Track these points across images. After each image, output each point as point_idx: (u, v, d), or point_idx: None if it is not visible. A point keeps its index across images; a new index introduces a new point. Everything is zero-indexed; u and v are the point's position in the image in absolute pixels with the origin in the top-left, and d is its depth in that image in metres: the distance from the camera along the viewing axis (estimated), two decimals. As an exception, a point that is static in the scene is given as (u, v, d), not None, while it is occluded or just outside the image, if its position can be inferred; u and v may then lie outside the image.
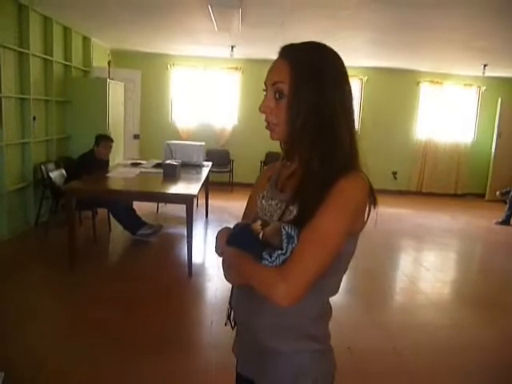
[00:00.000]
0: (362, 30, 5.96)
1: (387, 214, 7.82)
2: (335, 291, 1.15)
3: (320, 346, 1.15)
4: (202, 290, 4.23)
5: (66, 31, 6.62)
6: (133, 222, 5.35)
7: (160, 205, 6.77)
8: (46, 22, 5.99)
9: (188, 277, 4.31)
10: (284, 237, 1.00)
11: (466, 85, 9.45)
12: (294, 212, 1.05)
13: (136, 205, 5.58)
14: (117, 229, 5.55)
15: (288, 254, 0.99)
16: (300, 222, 1.01)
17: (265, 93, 1.11)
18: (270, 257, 1.00)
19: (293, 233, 1.00)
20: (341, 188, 1.00)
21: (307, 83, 1.03)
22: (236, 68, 9.04)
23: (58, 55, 6.31)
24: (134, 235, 5.34)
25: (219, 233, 1.18)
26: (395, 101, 9.39)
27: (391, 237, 6.39)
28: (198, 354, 3.10)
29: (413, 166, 9.71)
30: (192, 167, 5.87)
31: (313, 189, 1.02)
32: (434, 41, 6.21)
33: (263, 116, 1.11)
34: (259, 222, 1.06)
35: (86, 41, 7.36)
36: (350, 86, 1.09)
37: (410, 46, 6.77)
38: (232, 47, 7.35)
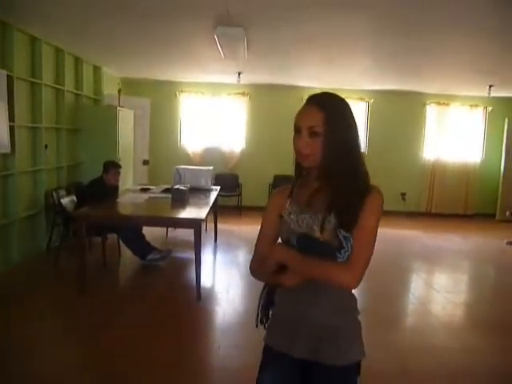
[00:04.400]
0: (365, 56, 6.06)
1: (396, 235, 7.80)
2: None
3: (358, 315, 1.55)
4: (210, 313, 4.23)
5: (77, 61, 6.82)
6: (142, 248, 5.39)
7: (169, 229, 6.82)
8: (58, 52, 6.18)
9: (197, 301, 4.32)
10: (342, 238, 1.37)
11: (472, 105, 9.49)
12: (333, 220, 1.38)
13: (145, 230, 5.63)
14: (126, 254, 5.59)
15: (349, 250, 1.38)
16: (343, 226, 1.37)
17: (294, 131, 1.44)
18: (340, 254, 1.38)
19: (347, 234, 1.37)
20: (373, 198, 1.41)
21: (337, 127, 1.40)
22: (243, 93, 9.19)
23: (69, 84, 6.49)
24: (144, 260, 5.37)
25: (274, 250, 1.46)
26: (402, 122, 9.45)
27: (400, 258, 6.35)
28: (205, 378, 3.10)
29: (421, 187, 9.70)
30: (200, 191, 5.93)
31: (351, 201, 1.39)
32: (438, 64, 6.30)
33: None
34: (318, 232, 1.40)
35: (96, 70, 7.56)
36: (355, 123, 1.46)
37: (415, 70, 6.86)
38: (239, 74, 7.49)
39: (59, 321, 3.94)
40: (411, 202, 9.68)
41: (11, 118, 4.91)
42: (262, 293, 1.61)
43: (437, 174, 9.63)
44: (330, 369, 1.46)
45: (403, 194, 9.64)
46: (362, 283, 1.37)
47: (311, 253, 1.38)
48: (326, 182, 1.44)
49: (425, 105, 9.49)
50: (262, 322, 1.60)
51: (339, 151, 1.40)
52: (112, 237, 5.59)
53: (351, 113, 1.45)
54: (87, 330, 3.69)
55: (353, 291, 1.53)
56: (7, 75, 4.80)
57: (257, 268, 1.52)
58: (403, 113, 9.43)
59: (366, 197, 1.39)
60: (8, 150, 4.84)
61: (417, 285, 5.55)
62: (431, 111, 9.54)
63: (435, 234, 8.22)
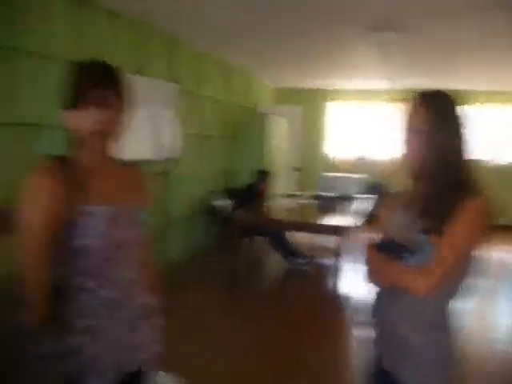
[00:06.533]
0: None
1: None
2: (455, 295, 1.40)
3: (449, 336, 1.40)
4: (352, 324, 4.16)
5: (235, 72, 7.30)
6: (288, 252, 5.54)
7: (316, 235, 6.87)
8: (221, 65, 6.67)
9: (339, 309, 4.29)
10: (421, 242, 1.32)
11: None
12: (422, 223, 1.33)
13: (292, 234, 5.77)
14: (273, 257, 5.79)
15: (425, 255, 1.31)
16: (427, 230, 1.31)
17: (404, 131, 1.42)
18: (413, 256, 1.34)
19: (426, 239, 1.32)
20: (468, 207, 1.29)
21: (439, 127, 1.35)
22: (396, 100, 8.86)
23: (228, 95, 6.98)
24: (289, 264, 5.51)
25: (364, 248, 1.49)
26: None
27: None
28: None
29: None
30: (348, 200, 5.88)
31: (443, 207, 1.31)
32: None
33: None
34: (401, 234, 1.38)
35: (252, 80, 8.00)
36: (463, 126, 1.37)
37: None
38: (391, 79, 7.26)
39: (210, 313, 4.23)
40: None
41: (179, 126, 5.47)
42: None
43: None
44: None
45: None
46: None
47: (389, 254, 1.38)
48: (426, 184, 1.40)
49: None
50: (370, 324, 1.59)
51: (439, 152, 1.35)
52: (260, 239, 5.85)
53: (456, 112, 1.38)
54: (233, 325, 3.91)
55: (449, 306, 1.43)
56: (177, 88, 5.36)
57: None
58: None
59: (464, 202, 1.29)
60: (177, 155, 5.40)
61: None
62: None
63: None
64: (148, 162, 4.84)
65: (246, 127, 7.20)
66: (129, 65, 4.54)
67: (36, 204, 1.25)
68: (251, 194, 5.70)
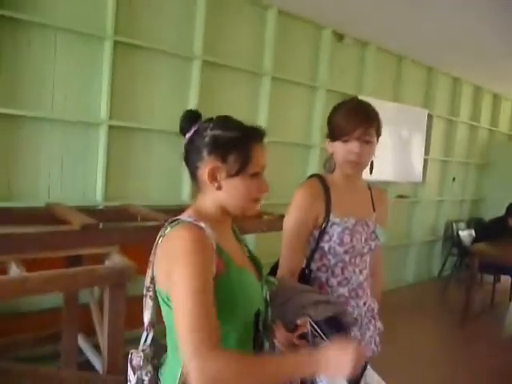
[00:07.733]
0: None
1: None
2: None
3: None
4: None
5: (495, 98, 6.83)
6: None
7: None
8: (476, 91, 6.38)
9: None
10: None
11: None
12: None
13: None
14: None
15: None
16: None
17: None
18: None
19: None
20: None
21: None
22: None
23: (484, 121, 6.61)
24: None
25: None
26: None
27: None
28: None
29: None
30: None
31: None
32: None
33: None
34: None
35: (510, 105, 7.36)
36: None
37: None
38: None
39: (436, 343, 4.17)
40: None
41: (426, 151, 5.49)
42: None
43: None
44: None
45: None
46: None
47: None
48: None
49: None
50: None
51: None
52: (506, 279, 5.37)
53: None
54: (462, 362, 3.74)
55: None
56: (428, 114, 5.39)
57: None
58: None
59: None
60: (420, 179, 5.44)
61: None
62: None
63: None
64: (392, 184, 5.02)
65: (502, 155, 6.66)
66: (385, 92, 4.83)
67: (300, 212, 1.57)
68: (500, 228, 5.29)
